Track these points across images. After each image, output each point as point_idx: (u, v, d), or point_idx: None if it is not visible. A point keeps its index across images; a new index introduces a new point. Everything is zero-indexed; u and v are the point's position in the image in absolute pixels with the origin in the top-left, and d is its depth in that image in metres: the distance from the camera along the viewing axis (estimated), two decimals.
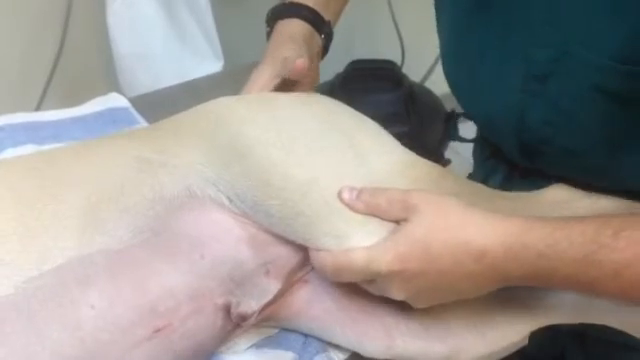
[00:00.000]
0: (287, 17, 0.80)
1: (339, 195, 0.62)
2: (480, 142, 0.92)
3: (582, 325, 0.68)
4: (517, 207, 0.69)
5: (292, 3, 0.81)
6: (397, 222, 0.61)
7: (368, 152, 0.68)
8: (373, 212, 0.62)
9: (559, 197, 0.71)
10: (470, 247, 0.58)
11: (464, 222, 0.59)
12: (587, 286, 0.58)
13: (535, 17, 0.67)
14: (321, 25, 0.82)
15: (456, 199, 0.61)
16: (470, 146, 0.97)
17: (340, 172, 0.65)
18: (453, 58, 0.81)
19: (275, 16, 0.81)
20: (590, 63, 0.63)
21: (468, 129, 0.95)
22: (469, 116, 0.86)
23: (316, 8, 0.82)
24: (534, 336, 0.68)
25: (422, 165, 0.70)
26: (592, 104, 0.65)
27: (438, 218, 0.59)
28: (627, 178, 0.69)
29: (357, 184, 0.63)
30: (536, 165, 0.76)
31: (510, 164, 0.82)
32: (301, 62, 0.75)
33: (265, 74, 0.76)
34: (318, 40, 0.82)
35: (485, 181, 0.88)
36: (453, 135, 0.97)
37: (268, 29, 0.82)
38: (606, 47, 0.62)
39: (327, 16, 0.83)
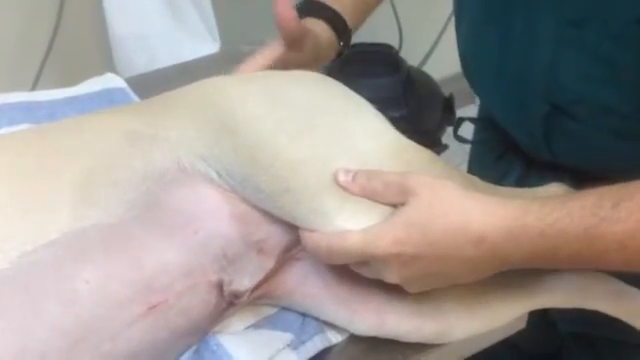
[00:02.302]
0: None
1: (335, 177, 0.62)
2: (491, 140, 0.90)
3: (583, 325, 0.67)
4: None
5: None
6: (394, 205, 0.60)
7: (359, 133, 0.67)
8: (369, 195, 0.61)
9: (553, 194, 0.70)
10: (469, 232, 0.57)
11: (462, 206, 0.58)
12: (592, 261, 0.58)
13: None
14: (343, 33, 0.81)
15: (453, 183, 0.60)
16: (468, 135, 0.96)
17: (329, 152, 0.64)
18: (477, 32, 0.78)
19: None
20: None
21: (467, 130, 0.95)
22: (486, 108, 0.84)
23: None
24: (530, 332, 0.68)
25: (413, 149, 0.69)
26: (636, 44, 0.62)
27: (436, 202, 0.58)
28: None
29: (346, 164, 0.62)
30: (557, 148, 0.74)
31: (526, 159, 0.80)
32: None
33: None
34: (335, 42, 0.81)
35: (497, 183, 0.86)
36: (450, 120, 0.97)
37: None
38: None
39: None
